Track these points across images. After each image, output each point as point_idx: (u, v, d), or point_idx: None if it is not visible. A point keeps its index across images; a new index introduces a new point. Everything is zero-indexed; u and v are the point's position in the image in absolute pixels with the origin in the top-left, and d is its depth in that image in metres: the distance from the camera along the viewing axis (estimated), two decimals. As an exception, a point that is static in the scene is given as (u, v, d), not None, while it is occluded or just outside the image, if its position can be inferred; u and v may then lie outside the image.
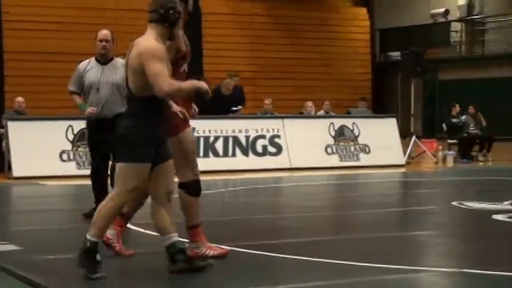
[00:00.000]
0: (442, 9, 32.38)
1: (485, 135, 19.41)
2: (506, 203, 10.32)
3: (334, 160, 17.00)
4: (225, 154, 15.89)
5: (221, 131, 15.90)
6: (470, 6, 32.90)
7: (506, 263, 6.53)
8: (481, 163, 18.67)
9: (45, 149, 14.58)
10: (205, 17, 26.42)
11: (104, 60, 9.07)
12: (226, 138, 15.85)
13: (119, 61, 8.98)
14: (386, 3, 33.86)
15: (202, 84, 5.99)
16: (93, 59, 9.15)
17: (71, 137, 14.80)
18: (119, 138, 6.00)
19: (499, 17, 31.75)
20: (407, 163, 17.73)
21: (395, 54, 30.44)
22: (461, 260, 6.97)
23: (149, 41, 5.93)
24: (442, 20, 32.54)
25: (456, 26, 32.92)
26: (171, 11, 5.97)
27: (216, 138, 16.00)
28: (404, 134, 19.64)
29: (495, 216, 9.17)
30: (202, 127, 15.81)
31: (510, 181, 14.11)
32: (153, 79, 5.80)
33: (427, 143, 19.54)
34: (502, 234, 8.31)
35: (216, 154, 15.99)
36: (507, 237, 8.13)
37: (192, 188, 6.44)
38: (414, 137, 19.07)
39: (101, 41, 9.02)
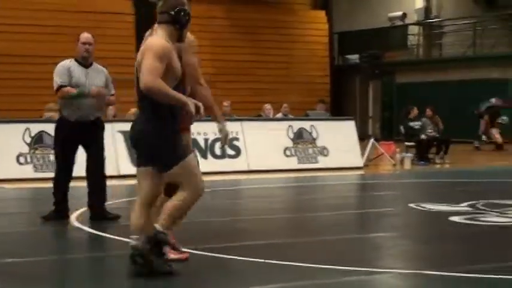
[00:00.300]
0: (400, 13, 32.62)
1: (443, 138, 19.58)
2: (462, 204, 10.42)
3: (292, 163, 17.03)
4: (184, 157, 15.84)
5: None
6: (427, 10, 33.19)
7: (463, 264, 6.59)
8: (438, 165, 18.82)
9: (1, 152, 14.42)
10: (164, 20, 26.38)
11: (85, 63, 9.03)
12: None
13: (99, 66, 9.08)
14: (345, 7, 34.05)
15: (191, 106, 5.89)
16: (73, 60, 9.06)
17: (28, 139, 14.65)
18: (153, 145, 5.91)
19: (456, 20, 32.06)
20: (366, 165, 17.81)
21: (354, 57, 30.66)
22: (419, 262, 7.02)
23: (157, 39, 5.95)
24: (399, 23, 32.79)
25: (414, 29, 33.20)
26: (182, 13, 6.02)
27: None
28: (363, 137, 19.74)
29: (452, 218, 9.26)
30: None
31: (466, 183, 14.25)
32: (142, 73, 5.79)
33: (385, 146, 19.66)
34: (458, 235, 8.39)
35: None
36: (463, 238, 8.21)
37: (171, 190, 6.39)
38: (372, 139, 19.18)
39: (84, 43, 9.01)
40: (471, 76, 28.70)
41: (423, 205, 10.46)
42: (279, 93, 26.25)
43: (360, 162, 17.64)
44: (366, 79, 21.80)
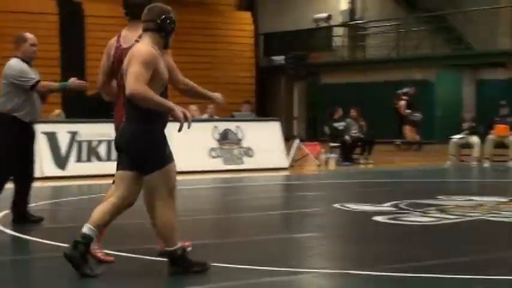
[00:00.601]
0: (325, 14, 32.89)
1: (367, 138, 19.80)
2: (386, 204, 10.55)
3: (218, 163, 17.04)
4: (109, 158, 15.70)
5: (104, 135, 15.70)
6: (352, 12, 33.53)
7: (386, 264, 6.68)
8: (362, 166, 19.04)
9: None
10: (88, 20, 26.12)
11: (30, 63, 8.96)
12: (109, 143, 15.64)
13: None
14: (270, 8, 34.18)
15: (178, 112, 5.94)
16: (18, 60, 8.92)
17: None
18: (140, 149, 5.98)
19: (380, 22, 32.46)
20: (291, 166, 17.92)
21: (279, 58, 30.76)
22: (343, 261, 7.09)
23: (143, 46, 6.01)
24: (324, 24, 33.07)
25: (338, 31, 33.51)
26: (168, 21, 6.11)
27: (100, 142, 15.81)
28: (288, 137, 19.86)
29: (375, 218, 9.37)
30: (85, 131, 15.63)
31: (390, 183, 14.44)
32: (128, 79, 5.84)
33: (310, 146, 19.79)
34: (381, 235, 8.49)
35: (99, 158, 15.81)
36: (387, 238, 8.32)
37: None
38: (297, 140, 19.30)
39: (33, 45, 8.97)
40: (395, 77, 29.09)
41: (347, 205, 10.57)
42: (204, 94, 26.22)
43: (285, 163, 17.73)
44: (291, 80, 21.93)
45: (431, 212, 9.89)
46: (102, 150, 15.75)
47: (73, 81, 8.77)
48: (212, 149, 17.06)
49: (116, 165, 6.23)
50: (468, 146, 18.81)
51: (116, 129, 6.50)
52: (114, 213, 6.11)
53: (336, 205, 10.60)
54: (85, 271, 5.91)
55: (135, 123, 5.99)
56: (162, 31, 6.09)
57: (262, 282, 6.01)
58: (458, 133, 18.90)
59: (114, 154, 15.89)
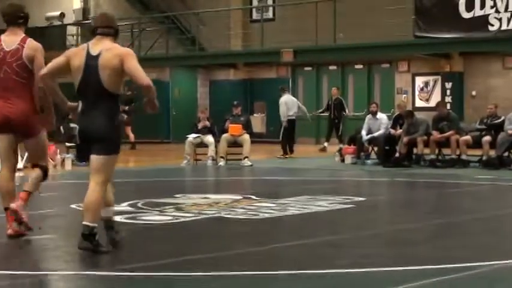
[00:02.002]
0: (58, 13, 32.37)
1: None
2: (123, 204, 10.52)
3: None
4: None
5: None
6: (85, 11, 33.24)
7: (123, 263, 6.69)
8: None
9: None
10: None
11: None
12: None
13: None
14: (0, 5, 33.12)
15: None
16: None
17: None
18: (103, 132, 7.04)
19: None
20: (26, 167, 17.44)
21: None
22: (80, 262, 6.99)
23: (121, 47, 7.26)
24: (58, 23, 32.53)
25: (72, 30, 33.08)
26: (118, 27, 7.40)
27: None
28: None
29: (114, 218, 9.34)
30: None
31: (127, 183, 14.44)
32: (136, 72, 7.00)
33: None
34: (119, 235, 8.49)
35: None
36: (125, 237, 8.34)
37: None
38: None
39: None
40: (130, 77, 29.17)
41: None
42: None
43: (19, 163, 17.21)
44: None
45: (168, 210, 10.02)
46: None
47: None
48: None
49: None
50: (203, 145, 19.22)
51: None
52: None
53: (74, 206, 10.45)
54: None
55: (105, 115, 7.04)
56: (117, 35, 7.33)
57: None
58: (194, 132, 19.25)
59: None
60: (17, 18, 8.09)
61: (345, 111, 24.41)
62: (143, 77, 6.96)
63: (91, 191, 7.13)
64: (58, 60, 7.28)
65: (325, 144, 24.13)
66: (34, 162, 8.13)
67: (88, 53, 7.10)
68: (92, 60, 7.04)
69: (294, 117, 21.80)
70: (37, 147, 8.03)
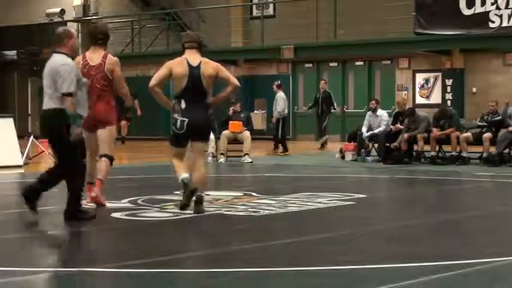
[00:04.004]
0: (58, 9, 32.35)
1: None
2: (124, 201, 10.56)
3: None
4: None
5: None
6: (85, 7, 33.23)
7: (125, 260, 6.69)
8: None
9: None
10: None
11: None
12: None
13: None
14: (0, 2, 33.14)
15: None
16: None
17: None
18: (206, 122, 9.56)
19: (115, 18, 32.42)
20: (26, 164, 17.48)
21: (12, 53, 29.90)
22: (81, 259, 6.98)
23: (213, 62, 9.73)
24: (58, 19, 32.51)
25: (72, 26, 33.06)
26: (201, 41, 9.84)
27: None
28: (22, 134, 19.35)
29: (114, 215, 9.37)
30: None
31: (127, 179, 14.45)
32: (229, 77, 9.73)
33: (45, 143, 19.38)
34: (120, 231, 8.51)
35: None
36: (125, 233, 8.35)
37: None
38: (32, 137, 18.86)
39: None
40: (130, 73, 29.14)
41: (85, 202, 10.45)
42: None
43: (19, 160, 17.27)
44: (24, 76, 21.33)
45: (168, 207, 10.02)
46: None
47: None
48: None
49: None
50: (203, 141, 19.16)
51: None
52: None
53: (74, 202, 10.43)
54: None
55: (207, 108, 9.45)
56: (200, 48, 9.79)
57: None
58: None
59: None
60: (97, 39, 10.02)
61: (333, 106, 23.75)
62: (234, 79, 9.70)
63: (199, 169, 9.40)
64: (162, 72, 9.45)
65: (326, 137, 23.89)
66: (103, 152, 9.94)
67: (189, 64, 9.39)
68: (194, 70, 9.38)
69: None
70: (108, 138, 9.95)
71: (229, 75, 9.75)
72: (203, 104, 9.40)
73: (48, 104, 8.77)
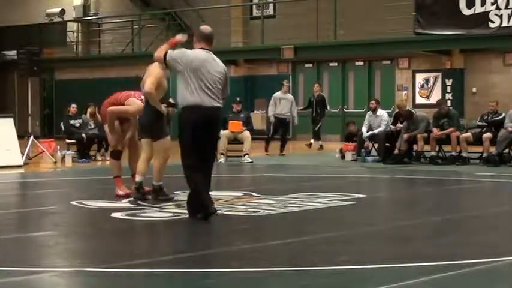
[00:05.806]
0: (58, 9, 32.36)
1: (103, 135, 19.67)
2: (123, 201, 10.57)
3: None
4: None
5: None
6: (85, 7, 33.23)
7: (124, 260, 6.70)
8: (99, 162, 18.91)
9: None
10: None
11: None
12: None
13: None
14: (1, 2, 33.13)
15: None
16: None
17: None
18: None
19: (115, 18, 32.43)
20: (26, 164, 17.49)
21: (12, 53, 29.91)
22: (82, 259, 7.01)
23: None
24: (58, 19, 32.53)
25: (72, 26, 33.08)
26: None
27: None
28: (22, 134, 19.35)
29: (114, 215, 9.36)
30: None
31: (127, 179, 14.45)
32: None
33: (45, 143, 19.41)
34: (120, 231, 8.51)
35: None
36: (125, 233, 8.35)
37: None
38: (32, 137, 18.86)
39: None
40: (130, 73, 29.16)
41: (85, 202, 10.47)
42: None
43: (19, 160, 17.27)
44: (24, 76, 21.36)
45: (168, 207, 10.02)
46: None
47: None
48: None
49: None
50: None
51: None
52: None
53: (74, 202, 10.47)
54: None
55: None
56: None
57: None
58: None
59: None
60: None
61: (327, 108, 23.87)
62: (147, 84, 10.79)
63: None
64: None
65: (320, 142, 23.87)
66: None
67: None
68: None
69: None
70: None
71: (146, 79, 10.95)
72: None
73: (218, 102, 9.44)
